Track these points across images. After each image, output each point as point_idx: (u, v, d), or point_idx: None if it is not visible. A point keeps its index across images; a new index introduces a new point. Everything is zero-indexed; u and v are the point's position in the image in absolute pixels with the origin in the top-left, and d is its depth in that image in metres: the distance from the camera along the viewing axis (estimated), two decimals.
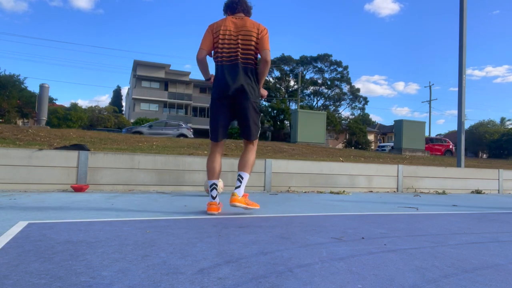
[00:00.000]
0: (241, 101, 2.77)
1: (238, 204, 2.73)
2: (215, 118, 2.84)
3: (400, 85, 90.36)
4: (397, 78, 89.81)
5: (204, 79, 3.01)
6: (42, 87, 10.40)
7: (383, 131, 48.98)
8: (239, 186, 2.76)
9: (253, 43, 2.79)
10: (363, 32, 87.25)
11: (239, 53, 2.77)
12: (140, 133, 18.31)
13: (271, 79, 40.45)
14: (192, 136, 19.84)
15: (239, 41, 2.77)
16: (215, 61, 2.84)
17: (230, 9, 2.91)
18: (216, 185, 2.78)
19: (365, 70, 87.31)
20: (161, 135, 17.42)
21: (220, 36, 2.78)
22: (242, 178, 2.79)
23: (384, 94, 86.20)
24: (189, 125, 22.62)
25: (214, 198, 2.74)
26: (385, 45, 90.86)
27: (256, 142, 2.93)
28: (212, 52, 2.87)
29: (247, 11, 2.93)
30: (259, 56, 2.87)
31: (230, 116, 2.86)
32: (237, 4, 2.88)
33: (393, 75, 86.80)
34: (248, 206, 2.83)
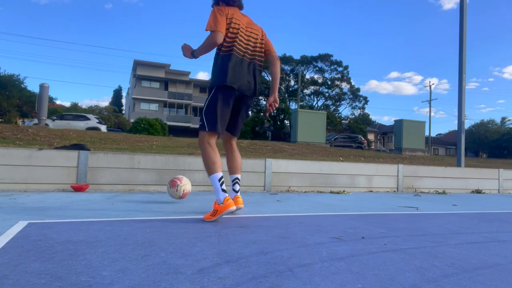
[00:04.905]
0: (246, 100, 2.72)
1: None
2: (222, 107, 2.55)
3: (403, 85, 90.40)
4: (400, 78, 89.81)
5: (191, 56, 2.65)
6: (42, 86, 10.40)
7: (383, 131, 48.94)
8: (239, 190, 2.81)
9: (260, 42, 2.75)
10: (365, 31, 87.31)
11: (251, 50, 2.70)
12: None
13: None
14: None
15: (251, 38, 2.72)
16: (226, 50, 2.58)
17: (237, 4, 2.72)
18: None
19: (367, 70, 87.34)
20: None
21: (236, 26, 2.62)
22: (239, 180, 2.82)
23: (385, 94, 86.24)
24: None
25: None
26: (388, 45, 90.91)
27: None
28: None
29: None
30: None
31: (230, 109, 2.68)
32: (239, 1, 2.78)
33: (395, 75, 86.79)
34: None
